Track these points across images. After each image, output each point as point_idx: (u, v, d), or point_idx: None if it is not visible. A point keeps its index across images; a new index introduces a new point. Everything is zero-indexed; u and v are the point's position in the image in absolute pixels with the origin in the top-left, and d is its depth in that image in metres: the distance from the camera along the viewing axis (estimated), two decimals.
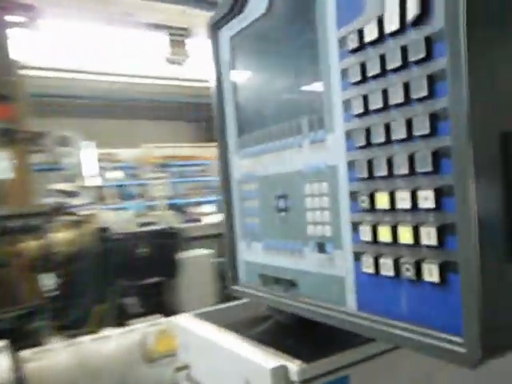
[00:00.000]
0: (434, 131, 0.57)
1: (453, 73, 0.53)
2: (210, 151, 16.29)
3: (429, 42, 0.57)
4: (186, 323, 1.08)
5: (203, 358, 1.00)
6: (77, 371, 1.36)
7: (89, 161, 9.95)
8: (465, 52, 0.51)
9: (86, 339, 1.59)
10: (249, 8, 0.92)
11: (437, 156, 0.57)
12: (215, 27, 1.03)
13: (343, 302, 0.75)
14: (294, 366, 0.76)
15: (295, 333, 0.92)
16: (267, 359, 0.79)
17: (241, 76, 0.98)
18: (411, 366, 0.85)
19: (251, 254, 0.99)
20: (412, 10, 0.58)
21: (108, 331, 1.58)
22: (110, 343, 1.57)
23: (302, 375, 0.75)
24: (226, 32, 1.01)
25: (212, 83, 1.04)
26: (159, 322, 1.79)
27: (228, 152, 1.05)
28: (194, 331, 1.04)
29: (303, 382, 0.75)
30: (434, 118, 0.57)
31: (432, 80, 0.57)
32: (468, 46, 0.51)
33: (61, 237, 6.36)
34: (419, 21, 0.57)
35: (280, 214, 0.88)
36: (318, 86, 0.77)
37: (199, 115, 19.41)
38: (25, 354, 1.34)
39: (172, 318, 1.63)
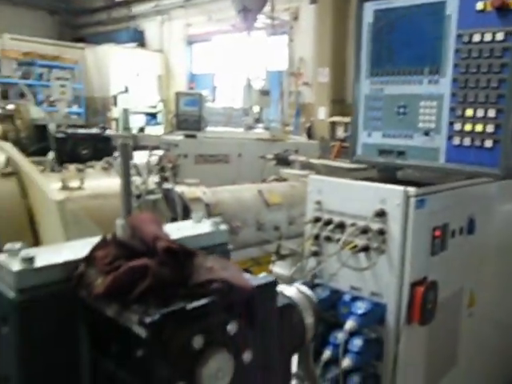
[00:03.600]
0: (499, 86, 1.65)
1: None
2: (76, 53, 16.75)
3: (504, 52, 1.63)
4: (317, 177, 2.11)
5: (337, 196, 2.02)
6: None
7: None
8: None
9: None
10: None
11: (499, 97, 1.65)
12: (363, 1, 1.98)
13: (437, 159, 1.83)
14: (411, 189, 1.83)
15: (393, 180, 1.99)
16: (395, 187, 1.86)
17: (378, 33, 1.96)
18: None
19: (371, 139, 2.03)
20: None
21: None
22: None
23: (416, 193, 1.82)
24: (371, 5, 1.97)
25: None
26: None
27: (360, 76, 2.03)
28: (327, 180, 2.06)
29: (415, 196, 1.82)
30: (501, 80, 1.64)
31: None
32: None
33: None
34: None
35: (399, 116, 1.93)
36: (438, 51, 1.79)
37: (59, 7, 19.31)
38: None
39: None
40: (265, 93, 9.09)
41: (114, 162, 1.95)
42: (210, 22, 15.67)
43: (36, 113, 6.97)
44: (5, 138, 6.45)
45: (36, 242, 1.46)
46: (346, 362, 1.84)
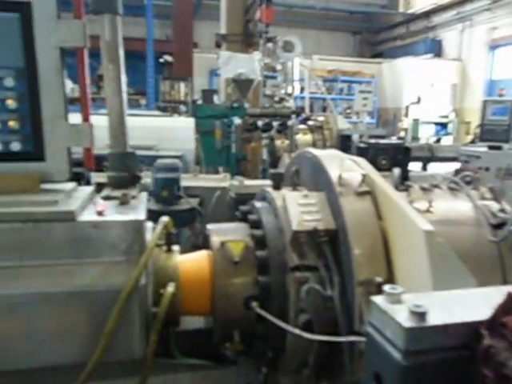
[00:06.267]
0: None
1: None
2: (372, 67, 17.14)
3: None
4: None
5: None
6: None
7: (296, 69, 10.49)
8: None
9: None
10: None
11: None
12: None
13: None
14: None
15: None
16: None
17: None
18: None
19: None
20: None
21: None
22: None
23: None
24: None
25: None
26: None
27: None
28: None
29: None
30: None
31: None
32: None
33: (302, 139, 7.08)
34: None
35: None
36: None
37: (361, 26, 20.22)
38: None
39: None
40: None
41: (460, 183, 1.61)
42: None
43: (342, 124, 7.16)
44: (313, 146, 6.84)
45: (389, 271, 1.24)
46: None
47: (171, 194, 2.47)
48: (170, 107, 8.85)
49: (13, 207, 1.15)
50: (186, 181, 2.69)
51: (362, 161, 1.47)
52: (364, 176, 1.36)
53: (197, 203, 2.72)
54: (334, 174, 1.40)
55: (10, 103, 1.20)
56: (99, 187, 1.50)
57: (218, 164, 5.83)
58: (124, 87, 1.47)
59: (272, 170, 1.57)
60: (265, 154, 6.19)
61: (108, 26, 1.42)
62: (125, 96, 1.48)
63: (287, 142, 6.36)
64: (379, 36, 20.86)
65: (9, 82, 1.19)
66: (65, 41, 1.22)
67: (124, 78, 1.47)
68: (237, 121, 6.26)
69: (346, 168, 1.41)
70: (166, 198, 2.47)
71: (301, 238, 1.35)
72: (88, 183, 1.67)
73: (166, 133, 4.57)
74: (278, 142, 6.29)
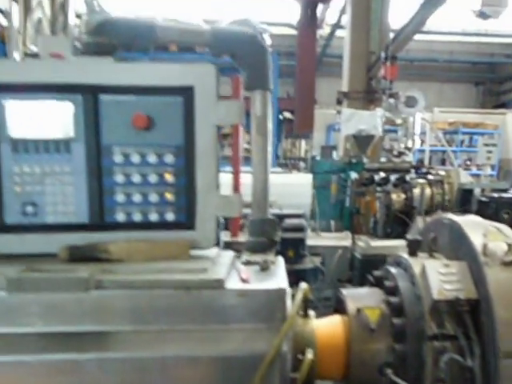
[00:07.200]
0: None
1: None
2: (495, 118, 16.02)
3: None
4: None
5: None
6: None
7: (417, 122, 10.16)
8: None
9: None
10: None
11: None
12: None
13: None
14: None
15: None
16: None
17: None
18: None
19: None
20: None
21: None
22: None
23: None
24: None
25: None
26: None
27: None
28: None
29: None
30: None
31: None
32: None
33: (418, 193, 6.77)
34: None
35: None
36: None
37: (484, 77, 19.15)
38: None
39: None
40: None
41: None
42: None
43: (464, 177, 6.77)
44: (431, 200, 6.52)
45: None
46: None
47: (297, 253, 2.49)
48: (290, 164, 9.07)
49: (167, 274, 1.22)
50: (309, 239, 2.70)
51: (505, 228, 1.38)
52: (510, 245, 1.28)
53: (319, 262, 2.71)
54: (477, 243, 1.34)
55: (168, 177, 1.31)
56: (228, 247, 1.57)
57: (331, 217, 5.80)
58: (270, 157, 1.51)
59: (409, 237, 1.53)
60: (377, 208, 6.05)
61: (259, 101, 1.48)
62: (270, 165, 1.52)
63: (403, 195, 6.16)
64: (503, 86, 19.73)
65: (168, 158, 1.31)
66: (223, 120, 1.31)
67: (270, 149, 1.52)
68: (353, 175, 6.21)
69: (489, 236, 1.33)
70: (292, 258, 2.49)
71: (441, 306, 1.30)
72: (218, 243, 1.76)
73: (285, 188, 4.68)
74: (393, 196, 6.13)
